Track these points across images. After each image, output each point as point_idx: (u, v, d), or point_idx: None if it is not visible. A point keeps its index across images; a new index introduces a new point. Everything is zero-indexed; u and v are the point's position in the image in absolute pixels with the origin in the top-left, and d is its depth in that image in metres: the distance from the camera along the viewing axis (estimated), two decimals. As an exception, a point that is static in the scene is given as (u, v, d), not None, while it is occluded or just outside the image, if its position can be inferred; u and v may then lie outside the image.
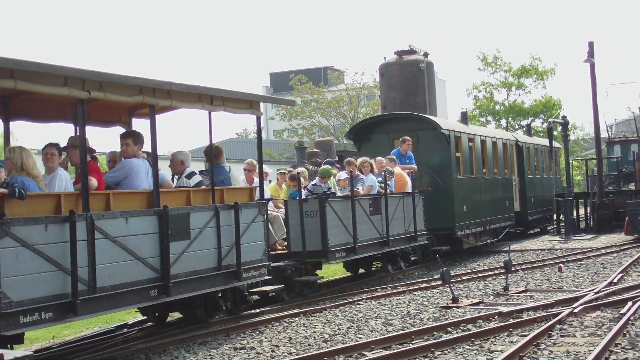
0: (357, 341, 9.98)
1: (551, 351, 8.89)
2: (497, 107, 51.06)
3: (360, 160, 16.95)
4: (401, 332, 10.41)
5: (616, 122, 45.24)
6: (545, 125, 42.55)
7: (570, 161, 33.26)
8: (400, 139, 19.12)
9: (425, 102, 24.45)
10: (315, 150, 22.79)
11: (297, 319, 12.14)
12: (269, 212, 14.46)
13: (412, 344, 9.65)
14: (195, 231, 10.58)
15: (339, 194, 15.62)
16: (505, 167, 25.28)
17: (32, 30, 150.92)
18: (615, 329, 9.52)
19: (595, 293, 12.71)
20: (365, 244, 15.69)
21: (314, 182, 15.58)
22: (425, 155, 20.34)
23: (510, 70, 50.97)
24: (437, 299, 13.58)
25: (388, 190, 16.69)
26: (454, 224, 20.23)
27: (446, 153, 20.41)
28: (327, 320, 11.95)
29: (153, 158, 10.19)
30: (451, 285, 13.36)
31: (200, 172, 11.88)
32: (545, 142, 32.83)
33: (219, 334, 11.03)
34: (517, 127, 50.64)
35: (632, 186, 28.95)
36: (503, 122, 51.29)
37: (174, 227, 10.11)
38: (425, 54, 25.04)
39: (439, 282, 14.57)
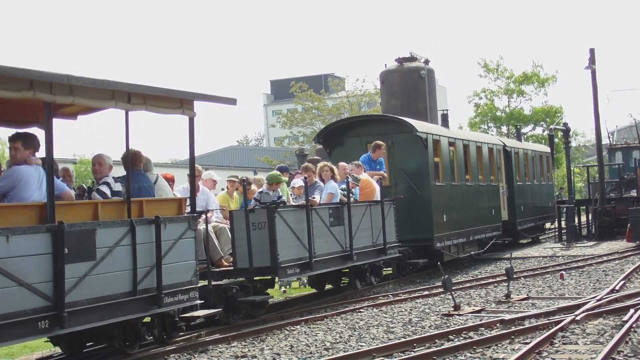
0: (358, 349, 9.97)
1: (553, 359, 8.88)
2: (498, 114, 51.07)
3: (320, 165, 15.40)
4: (403, 339, 10.40)
5: (618, 128, 45.26)
6: (546, 132, 42.57)
7: (572, 168, 33.21)
8: (373, 144, 17.63)
9: (426, 109, 24.25)
10: (316, 157, 22.55)
11: (298, 326, 12.10)
12: (216, 223, 13.42)
13: (414, 351, 9.63)
14: (102, 250, 9.09)
15: (292, 202, 14.16)
16: (491, 174, 23.91)
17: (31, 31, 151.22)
18: (617, 336, 9.49)
19: (597, 300, 12.67)
20: (324, 258, 14.13)
21: (261, 189, 13.92)
22: (400, 160, 19.03)
23: (512, 77, 51.02)
24: (439, 306, 13.57)
25: (352, 199, 15.24)
26: (432, 234, 18.68)
27: (423, 158, 18.95)
28: (328, 328, 11.93)
29: (48, 165, 8.75)
30: (453, 292, 13.35)
31: (115, 179, 10.32)
32: (537, 147, 32.13)
33: (220, 342, 10.99)
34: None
35: (634, 193, 29.08)
36: (504, 129, 51.31)
37: (73, 247, 8.61)
38: (426, 61, 24.92)
39: (441, 290, 14.53)
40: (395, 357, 9.37)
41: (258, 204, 13.41)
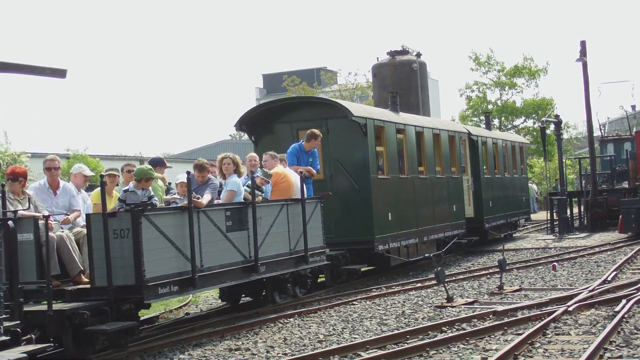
0: (352, 341, 9.99)
1: (546, 349, 8.90)
2: (490, 107, 51.17)
3: (219, 157, 13.02)
4: (396, 331, 10.43)
5: (609, 120, 45.45)
6: (538, 124, 42.69)
7: (564, 160, 33.27)
8: (308, 132, 14.91)
9: (419, 103, 24.36)
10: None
11: (291, 319, 12.12)
12: (81, 229, 10.85)
13: (407, 343, 9.67)
14: None
15: (179, 203, 11.52)
16: (452, 165, 21.31)
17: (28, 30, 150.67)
18: (609, 326, 9.55)
19: (590, 291, 12.74)
20: (216, 271, 11.45)
21: (127, 187, 11.06)
22: (336, 149, 16.47)
23: (503, 70, 51.12)
24: (432, 298, 13.61)
25: (261, 197, 12.70)
26: (373, 236, 16.15)
27: (362, 147, 16.37)
28: (321, 320, 11.95)
29: None
30: (445, 284, 13.40)
31: None
32: (510, 136, 30.90)
33: (213, 336, 11.01)
34: (509, 126, 50.77)
35: (625, 184, 29.23)
36: (496, 121, 51.41)
37: None
38: (418, 54, 24.95)
39: (434, 282, 14.58)
40: (389, 349, 9.38)
41: (123, 205, 10.64)
